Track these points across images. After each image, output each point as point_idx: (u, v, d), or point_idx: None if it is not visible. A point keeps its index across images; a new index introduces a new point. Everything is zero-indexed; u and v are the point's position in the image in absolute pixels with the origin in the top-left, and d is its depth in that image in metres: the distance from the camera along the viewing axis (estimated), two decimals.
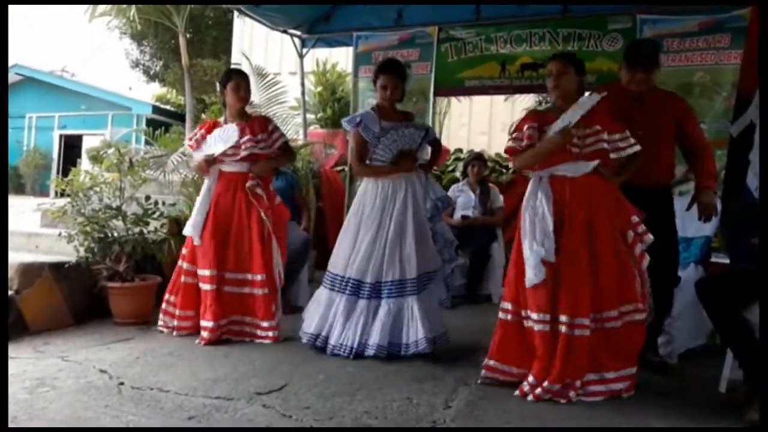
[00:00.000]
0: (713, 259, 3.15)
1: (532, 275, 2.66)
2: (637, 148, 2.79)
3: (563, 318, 2.64)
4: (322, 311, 3.30)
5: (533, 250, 2.67)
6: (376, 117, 3.36)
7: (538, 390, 2.60)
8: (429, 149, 3.59)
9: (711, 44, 4.32)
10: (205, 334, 3.36)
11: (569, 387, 2.62)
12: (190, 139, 3.65)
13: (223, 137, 3.49)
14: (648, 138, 2.94)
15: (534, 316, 2.68)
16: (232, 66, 10.03)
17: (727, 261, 3.53)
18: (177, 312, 3.53)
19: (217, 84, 3.78)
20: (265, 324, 3.45)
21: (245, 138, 3.48)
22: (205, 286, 3.45)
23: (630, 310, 2.70)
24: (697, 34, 4.35)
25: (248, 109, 3.89)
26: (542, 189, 2.78)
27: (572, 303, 2.64)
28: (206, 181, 3.60)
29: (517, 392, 2.66)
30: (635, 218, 2.78)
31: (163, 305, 3.60)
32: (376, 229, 3.26)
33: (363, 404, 2.47)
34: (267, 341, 3.41)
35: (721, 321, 2.66)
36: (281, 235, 3.61)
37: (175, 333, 3.51)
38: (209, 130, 3.57)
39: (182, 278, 3.54)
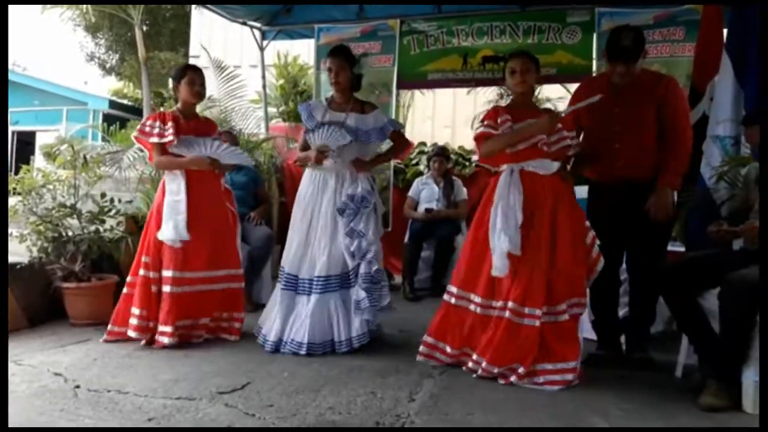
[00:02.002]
0: (669, 248, 3.21)
1: (501, 266, 2.73)
2: (571, 143, 2.93)
3: (511, 305, 2.74)
4: (268, 309, 3.36)
5: (501, 241, 2.73)
6: (324, 106, 3.39)
7: (484, 365, 2.75)
8: (389, 143, 3.58)
9: (666, 37, 4.44)
10: (165, 339, 3.18)
11: (512, 371, 2.72)
12: (160, 136, 3.26)
13: (236, 156, 3.54)
14: (630, 131, 2.92)
15: (478, 300, 2.86)
16: (191, 58, 9.86)
17: (683, 249, 3.61)
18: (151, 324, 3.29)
19: (170, 80, 3.66)
20: (240, 316, 3.49)
21: (219, 139, 3.52)
22: (176, 289, 3.24)
23: (575, 303, 2.81)
24: (653, 27, 4.45)
25: (208, 104, 3.82)
26: (514, 183, 2.83)
27: (524, 292, 2.74)
28: (172, 181, 3.33)
29: (464, 368, 2.87)
30: (587, 223, 2.89)
31: (135, 321, 3.25)
32: (308, 221, 3.31)
33: (327, 400, 2.46)
34: (234, 336, 3.42)
35: (678, 308, 2.73)
36: (236, 231, 3.65)
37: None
38: (176, 123, 3.32)
39: (152, 288, 3.29)
